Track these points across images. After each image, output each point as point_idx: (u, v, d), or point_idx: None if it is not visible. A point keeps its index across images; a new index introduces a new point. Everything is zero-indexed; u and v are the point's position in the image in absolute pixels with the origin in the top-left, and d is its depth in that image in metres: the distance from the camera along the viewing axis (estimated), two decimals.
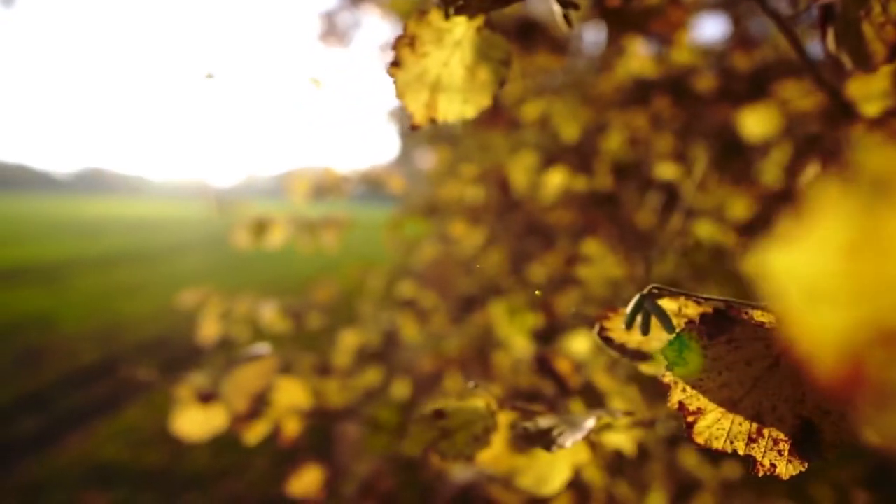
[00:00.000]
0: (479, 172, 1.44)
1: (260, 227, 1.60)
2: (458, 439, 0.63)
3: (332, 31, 7.75)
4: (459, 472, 3.84)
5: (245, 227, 1.59)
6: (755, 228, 2.06)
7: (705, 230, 1.61)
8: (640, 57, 1.62)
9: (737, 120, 2.60)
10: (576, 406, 0.91)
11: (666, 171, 1.66)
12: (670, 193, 2.29)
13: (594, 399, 0.96)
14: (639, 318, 0.49)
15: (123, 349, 8.39)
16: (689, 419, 0.45)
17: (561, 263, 1.75)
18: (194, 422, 0.88)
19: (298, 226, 1.68)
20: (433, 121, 0.59)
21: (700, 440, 0.45)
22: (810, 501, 1.85)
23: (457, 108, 0.58)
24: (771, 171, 2.08)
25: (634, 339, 0.56)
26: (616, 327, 0.56)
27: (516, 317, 1.59)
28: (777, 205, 2.24)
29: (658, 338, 0.53)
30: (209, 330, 1.82)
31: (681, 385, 0.45)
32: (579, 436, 0.50)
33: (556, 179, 1.49)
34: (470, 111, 0.58)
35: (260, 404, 0.80)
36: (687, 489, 2.17)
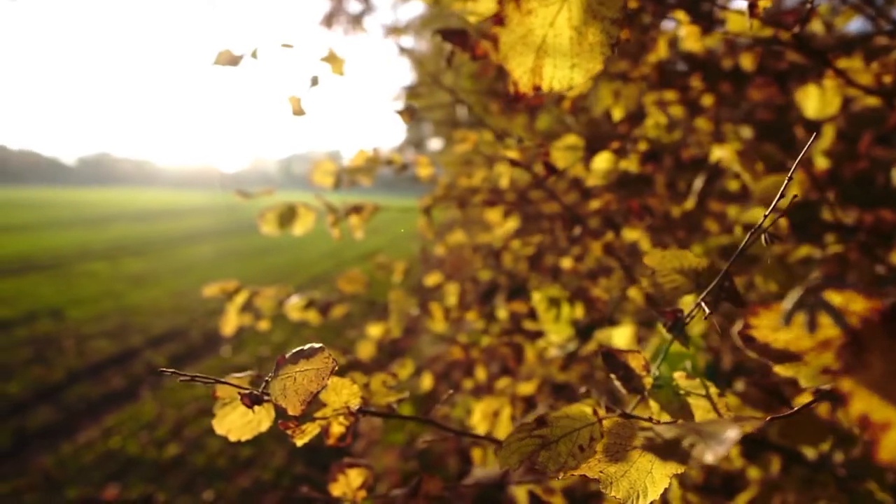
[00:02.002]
0: (517, 156, 1.35)
1: (288, 214, 1.52)
2: (560, 449, 0.55)
3: (342, 14, 7.63)
4: (481, 470, 3.77)
5: (272, 213, 1.52)
6: (805, 214, 1.97)
7: (757, 215, 1.52)
8: (689, 32, 1.52)
9: (779, 98, 2.50)
10: (654, 408, 0.82)
11: (713, 153, 1.57)
12: (712, 177, 2.20)
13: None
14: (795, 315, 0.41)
15: (135, 340, 8.36)
16: (874, 433, 0.37)
17: (599, 251, 1.66)
18: (238, 423, 0.80)
19: (326, 212, 1.60)
20: (538, 88, 0.51)
21: (888, 456, 0.37)
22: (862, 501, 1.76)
23: (564, 73, 0.49)
24: (821, 153, 1.98)
25: (782, 338, 0.48)
26: (763, 325, 0.48)
27: (558, 308, 1.51)
28: (828, 188, 2.14)
29: (812, 337, 0.45)
30: (232, 321, 1.75)
31: (863, 393, 0.37)
32: (721, 449, 0.41)
33: (603, 163, 1.40)
34: (578, 77, 0.49)
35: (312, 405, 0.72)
36: (731, 487, 2.09)
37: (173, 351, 7.98)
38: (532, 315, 2.58)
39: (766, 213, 0.82)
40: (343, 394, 0.76)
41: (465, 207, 1.94)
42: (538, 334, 2.15)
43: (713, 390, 0.81)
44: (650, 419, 0.59)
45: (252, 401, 0.72)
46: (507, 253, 3.02)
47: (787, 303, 0.42)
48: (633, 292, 1.68)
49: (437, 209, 2.42)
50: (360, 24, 7.53)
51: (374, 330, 2.15)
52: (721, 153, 1.49)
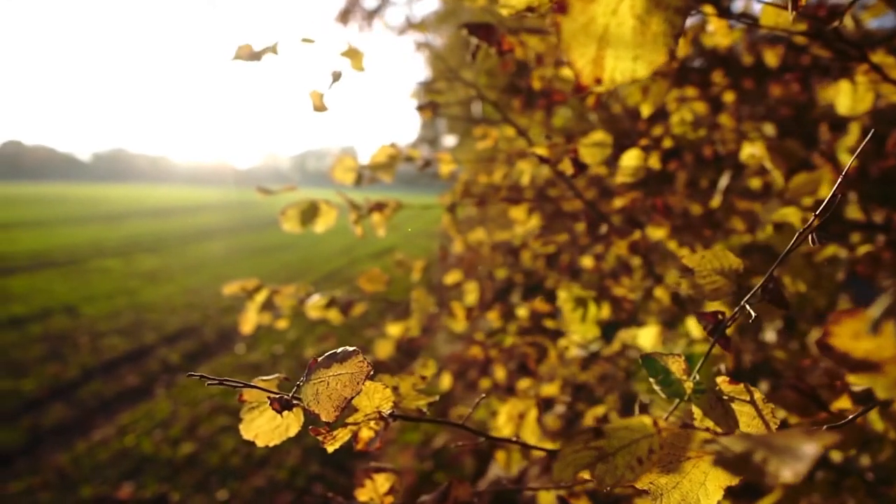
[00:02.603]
0: (545, 153, 1.32)
1: (310, 211, 1.50)
2: (618, 462, 0.52)
3: (357, 10, 7.61)
4: (499, 470, 3.74)
5: (294, 210, 1.49)
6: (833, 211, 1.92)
7: (788, 213, 1.48)
8: (717, 27, 1.48)
9: (801, 94, 2.45)
10: (696, 414, 0.79)
11: (744, 150, 1.53)
12: (736, 173, 2.16)
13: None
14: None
15: (149, 337, 8.38)
16: None
17: (624, 249, 1.62)
18: (266, 428, 0.78)
19: (347, 209, 1.57)
20: (598, 81, 0.48)
21: None
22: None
23: (626, 66, 0.46)
24: (846, 150, 1.94)
25: (863, 346, 0.44)
26: (844, 333, 0.45)
27: (584, 307, 1.48)
28: (855, 186, 2.09)
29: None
30: (251, 320, 1.73)
31: None
32: (800, 466, 0.38)
33: (632, 161, 1.37)
34: (641, 70, 0.46)
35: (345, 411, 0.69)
36: (755, 490, 2.05)
37: (187, 348, 8.00)
38: (551, 314, 2.54)
39: (817, 211, 0.79)
40: (375, 398, 0.73)
41: (485, 205, 1.91)
42: (558, 333, 2.12)
43: (758, 395, 0.78)
44: (708, 430, 0.56)
45: (282, 406, 0.69)
46: (527, 251, 2.99)
47: (876, 310, 0.38)
48: (660, 292, 1.64)
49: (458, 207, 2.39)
50: (375, 20, 7.51)
51: (394, 329, 2.12)
52: (752, 150, 1.45)
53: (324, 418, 0.64)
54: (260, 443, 0.78)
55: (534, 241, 1.76)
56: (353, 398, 0.63)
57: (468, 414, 0.97)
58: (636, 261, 2.85)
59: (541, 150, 1.24)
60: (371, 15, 7.84)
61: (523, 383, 2.06)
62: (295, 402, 0.70)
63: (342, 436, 0.74)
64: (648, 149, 1.54)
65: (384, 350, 2.45)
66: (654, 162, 1.39)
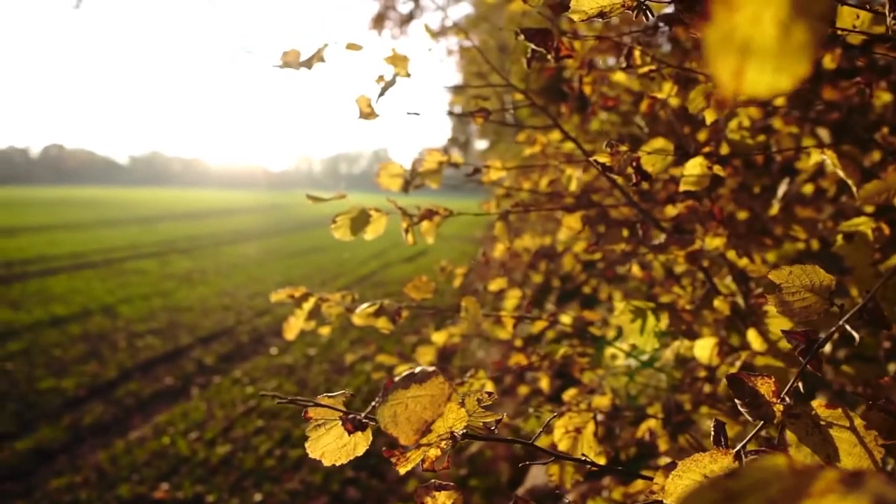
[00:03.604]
0: (607, 160, 1.28)
1: (361, 219, 1.47)
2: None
3: (391, 15, 7.62)
4: (535, 478, 3.69)
5: (344, 218, 1.47)
6: None
7: (860, 222, 1.41)
8: None
9: (857, 98, 2.36)
10: (790, 440, 0.74)
11: (813, 156, 1.47)
12: (791, 181, 2.08)
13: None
14: None
15: (184, 338, 8.49)
16: None
17: (682, 259, 1.57)
18: (333, 447, 0.75)
19: (398, 216, 1.55)
20: (737, 93, 0.44)
21: None
22: None
23: (767, 77, 0.42)
24: None
25: None
26: None
27: (643, 319, 1.43)
28: None
29: None
30: (296, 327, 1.71)
31: None
32: None
33: (696, 169, 1.32)
34: (784, 81, 0.42)
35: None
36: None
37: (221, 350, 8.08)
38: (591, 322, 2.49)
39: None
40: (450, 418, 0.70)
41: (532, 212, 1.87)
42: (603, 341, 2.06)
43: (858, 422, 0.73)
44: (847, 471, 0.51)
45: (355, 426, 0.66)
46: (569, 257, 2.93)
47: None
48: (719, 303, 1.58)
49: (480, 211, 2.35)
50: (410, 25, 7.51)
51: (438, 337, 2.09)
52: (821, 157, 1.38)
53: (403, 442, 0.60)
54: (326, 461, 0.75)
55: (589, 249, 1.72)
56: (433, 422, 0.60)
57: (531, 430, 0.93)
58: (679, 268, 2.78)
59: (603, 158, 1.20)
60: (406, 20, 7.84)
61: (569, 393, 2.01)
62: (369, 422, 0.66)
63: (415, 457, 0.71)
64: (711, 156, 1.49)
65: (426, 357, 2.42)
66: (719, 170, 1.34)
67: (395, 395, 0.64)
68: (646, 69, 1.44)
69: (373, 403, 0.66)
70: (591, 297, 4.71)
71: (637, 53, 1.36)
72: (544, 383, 2.30)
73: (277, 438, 5.40)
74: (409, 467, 0.71)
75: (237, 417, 5.92)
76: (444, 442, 0.77)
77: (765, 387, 0.78)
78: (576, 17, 0.93)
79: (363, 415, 0.67)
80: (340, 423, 0.69)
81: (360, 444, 0.75)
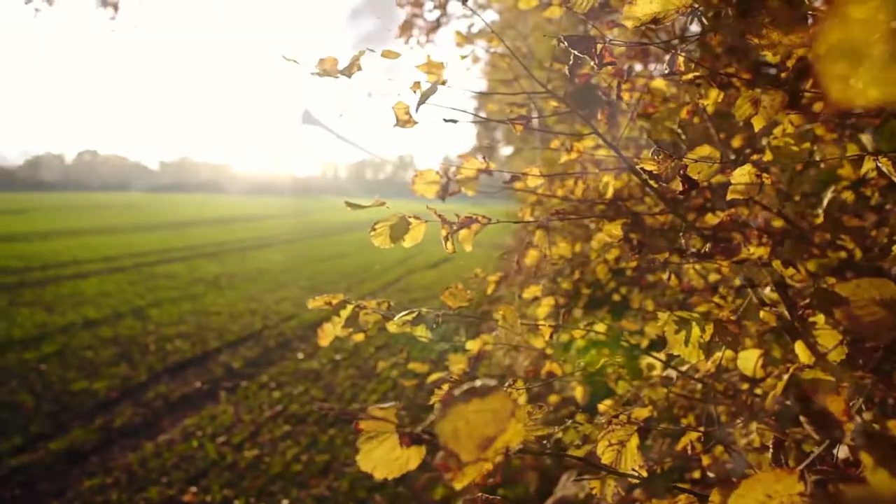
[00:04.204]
0: (654, 168, 1.26)
1: (400, 227, 1.47)
2: None
3: (418, 23, 7.63)
4: (566, 487, 3.64)
5: (384, 225, 1.46)
6: None
7: None
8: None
9: None
10: (866, 461, 0.71)
11: (866, 164, 1.43)
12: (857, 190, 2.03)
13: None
14: None
15: (212, 342, 8.56)
16: None
17: (727, 268, 1.54)
18: (385, 460, 0.74)
19: (437, 224, 1.54)
20: (845, 102, 0.42)
21: None
22: None
23: (877, 86, 0.41)
24: None
25: None
26: None
27: (687, 330, 1.40)
28: None
29: None
30: (331, 334, 1.70)
31: None
32: None
33: (744, 177, 1.29)
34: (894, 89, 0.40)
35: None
36: None
37: (249, 354, 8.14)
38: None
39: None
40: (509, 433, 0.68)
41: (570, 220, 1.85)
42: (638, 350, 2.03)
43: None
44: None
45: (411, 440, 0.65)
46: (601, 264, 2.90)
47: None
48: (764, 314, 1.55)
49: (511, 217, 2.33)
50: (437, 32, 7.51)
51: (472, 345, 2.07)
52: (872, 164, 1.35)
53: (464, 458, 0.59)
54: (378, 475, 0.74)
55: (631, 257, 1.69)
56: (496, 438, 0.58)
57: (570, 441, 0.91)
58: (713, 277, 2.74)
59: (649, 165, 1.18)
60: (433, 28, 7.85)
61: (605, 404, 1.98)
62: (424, 436, 0.65)
63: (471, 472, 0.69)
64: (759, 164, 1.46)
65: (458, 365, 2.40)
66: (767, 178, 1.30)
67: (456, 409, 0.63)
68: (690, 76, 1.41)
69: (430, 418, 0.64)
70: (621, 305, 4.65)
71: (681, 60, 1.33)
72: (578, 393, 2.27)
73: (304, 444, 5.41)
74: (466, 483, 0.70)
75: (264, 422, 5.95)
76: (498, 456, 0.76)
77: (835, 405, 0.75)
78: (629, 24, 0.92)
79: (420, 429, 0.66)
80: (394, 436, 0.67)
81: (414, 458, 0.74)
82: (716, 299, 1.99)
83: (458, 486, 0.70)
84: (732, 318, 1.60)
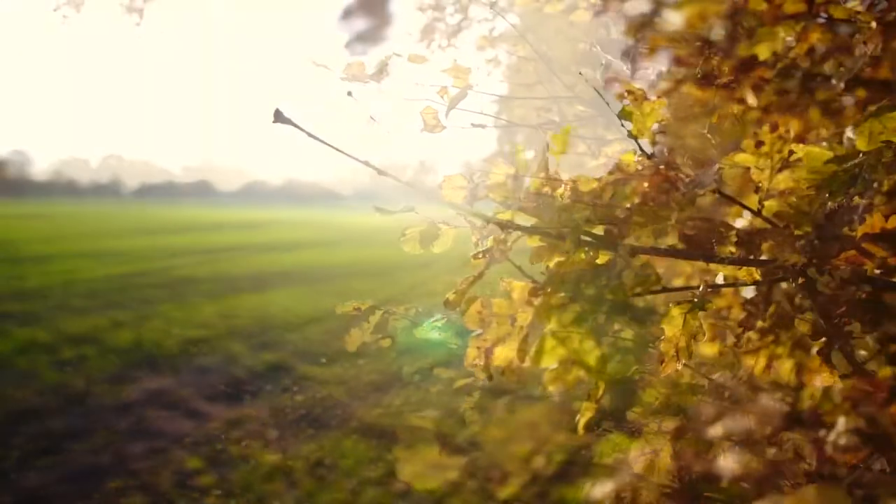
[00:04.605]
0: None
1: (430, 234, 1.47)
2: None
3: (439, 27, 7.64)
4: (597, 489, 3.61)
5: (414, 232, 1.47)
6: None
7: None
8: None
9: None
10: None
11: None
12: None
13: None
14: None
15: (236, 346, 8.66)
16: None
17: (759, 273, 1.51)
18: (422, 470, 0.73)
19: (468, 231, 1.54)
20: None
21: None
22: None
23: None
24: None
25: None
26: None
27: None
28: None
29: None
30: (358, 339, 1.71)
31: None
32: None
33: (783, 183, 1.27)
34: None
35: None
36: None
37: (270, 359, 8.19)
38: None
39: None
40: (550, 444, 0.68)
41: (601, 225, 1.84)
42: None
43: None
44: None
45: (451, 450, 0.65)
46: (629, 270, 2.87)
47: None
48: (798, 321, 1.52)
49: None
50: (458, 37, 7.52)
51: (500, 352, 2.07)
52: None
53: (509, 468, 0.58)
54: (417, 485, 0.74)
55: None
56: (538, 450, 0.58)
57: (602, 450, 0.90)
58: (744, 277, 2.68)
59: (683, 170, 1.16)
60: (454, 32, 7.85)
61: (635, 412, 1.96)
62: (466, 447, 0.65)
63: (516, 482, 0.69)
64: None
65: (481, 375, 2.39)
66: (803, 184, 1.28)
67: (499, 419, 0.62)
68: (724, 80, 1.40)
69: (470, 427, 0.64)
70: (644, 310, 4.60)
71: (715, 63, 1.32)
72: (605, 400, 2.25)
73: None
74: (512, 490, 0.69)
75: (288, 425, 5.99)
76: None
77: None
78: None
79: (463, 440, 0.65)
80: (437, 445, 0.67)
81: (452, 468, 0.74)
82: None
83: (503, 494, 0.70)
84: (765, 325, 1.57)
